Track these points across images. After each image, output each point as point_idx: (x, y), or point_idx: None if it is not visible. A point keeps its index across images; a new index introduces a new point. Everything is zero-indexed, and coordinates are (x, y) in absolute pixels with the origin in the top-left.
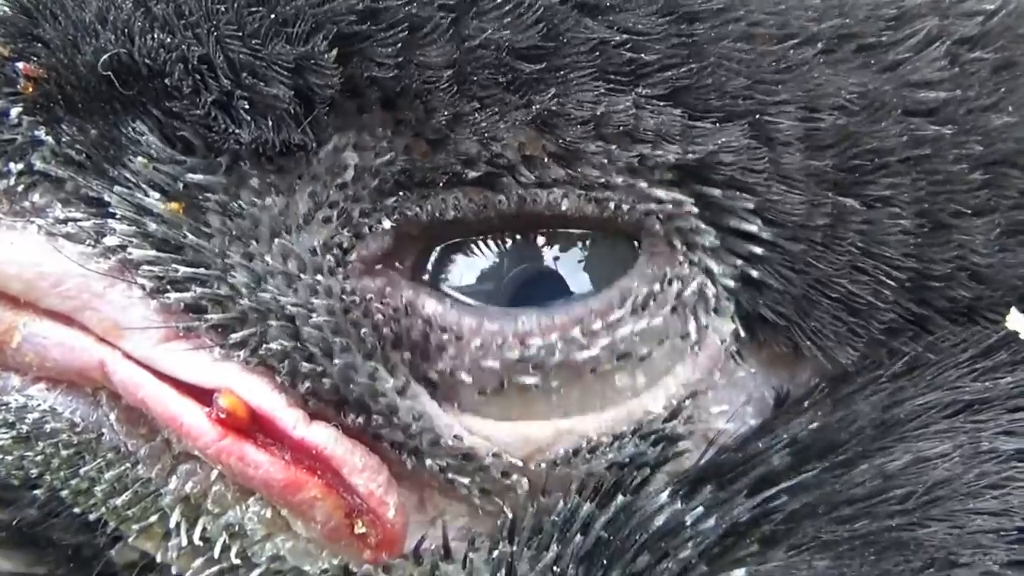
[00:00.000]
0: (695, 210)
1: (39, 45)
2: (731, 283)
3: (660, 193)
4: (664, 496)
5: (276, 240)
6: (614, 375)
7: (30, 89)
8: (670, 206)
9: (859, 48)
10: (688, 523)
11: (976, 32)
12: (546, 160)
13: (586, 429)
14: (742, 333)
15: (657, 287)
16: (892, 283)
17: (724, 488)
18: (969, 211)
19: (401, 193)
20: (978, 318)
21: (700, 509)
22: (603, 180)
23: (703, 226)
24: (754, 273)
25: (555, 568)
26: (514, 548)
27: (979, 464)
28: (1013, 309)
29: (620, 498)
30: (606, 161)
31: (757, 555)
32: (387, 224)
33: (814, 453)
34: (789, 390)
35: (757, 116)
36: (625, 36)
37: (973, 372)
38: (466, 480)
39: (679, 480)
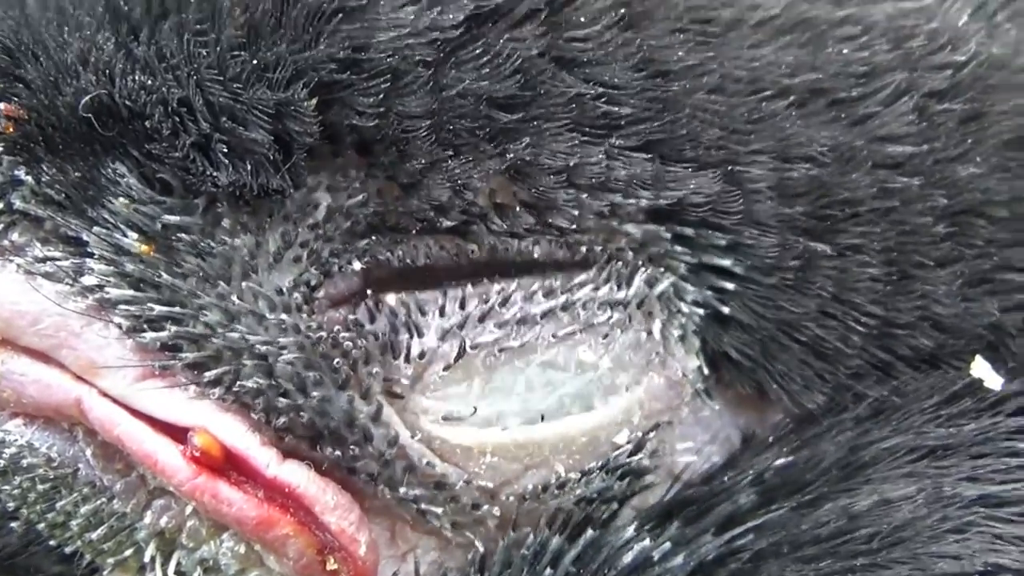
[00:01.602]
0: (668, 236)
1: (20, 85)
2: (699, 315)
3: (631, 228)
4: (631, 530)
5: (245, 281)
6: (578, 349)
7: (11, 129)
8: (640, 236)
9: (830, 103)
10: (656, 559)
11: (945, 85)
12: (518, 209)
13: (555, 465)
14: (706, 371)
15: (626, 271)
16: (861, 329)
17: (691, 524)
18: (932, 262)
19: (373, 237)
20: (942, 365)
21: (668, 545)
22: (575, 227)
23: (677, 251)
24: (724, 309)
25: None
26: None
27: (942, 508)
28: (978, 357)
29: (589, 532)
30: (578, 211)
31: None
32: (357, 266)
33: (780, 492)
34: (755, 432)
35: (730, 166)
36: (600, 90)
37: (938, 418)
38: (439, 510)
39: (646, 515)
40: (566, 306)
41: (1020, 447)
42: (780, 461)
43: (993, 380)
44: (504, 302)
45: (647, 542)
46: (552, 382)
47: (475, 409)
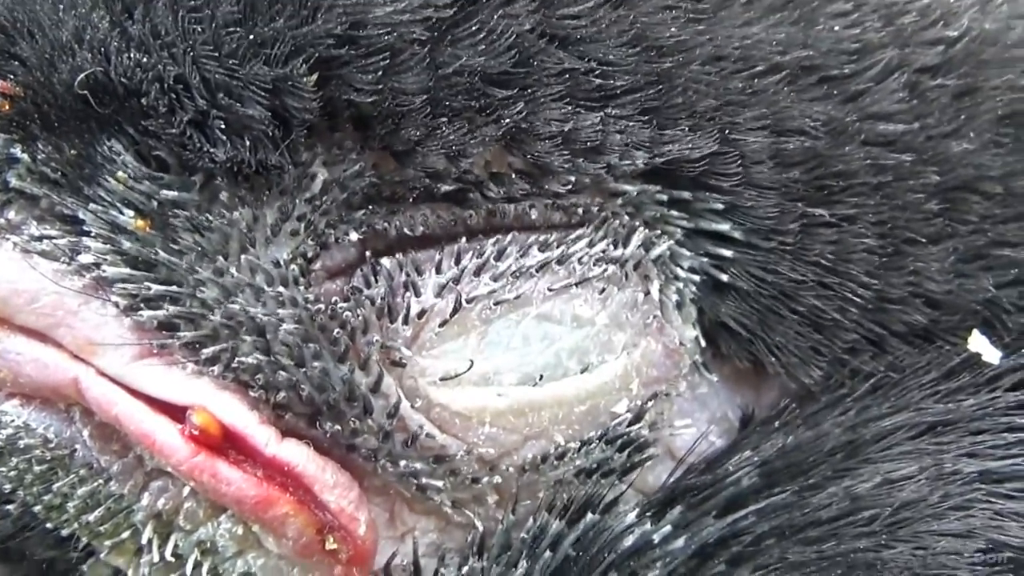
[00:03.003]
0: (664, 198)
1: (16, 63)
2: (696, 282)
3: (627, 187)
4: (632, 516)
5: (243, 255)
6: (574, 302)
7: (6, 107)
8: (636, 194)
9: (822, 79)
10: (656, 543)
11: (938, 60)
12: (513, 176)
13: (553, 434)
14: (703, 343)
15: (623, 231)
16: (858, 300)
17: (693, 509)
18: (925, 238)
19: (370, 207)
20: (937, 340)
21: (668, 528)
22: (570, 189)
23: (673, 215)
24: (722, 277)
25: None
26: (483, 564)
27: (943, 486)
28: (975, 331)
29: (589, 516)
30: (573, 175)
31: (725, 575)
32: (354, 236)
33: (783, 475)
34: (754, 410)
35: (727, 131)
36: (594, 65)
37: (936, 394)
38: (439, 484)
39: (648, 500)
40: (562, 259)
41: (1018, 422)
42: (782, 443)
43: (991, 354)
44: (499, 255)
45: (648, 526)
46: (548, 336)
47: (471, 363)
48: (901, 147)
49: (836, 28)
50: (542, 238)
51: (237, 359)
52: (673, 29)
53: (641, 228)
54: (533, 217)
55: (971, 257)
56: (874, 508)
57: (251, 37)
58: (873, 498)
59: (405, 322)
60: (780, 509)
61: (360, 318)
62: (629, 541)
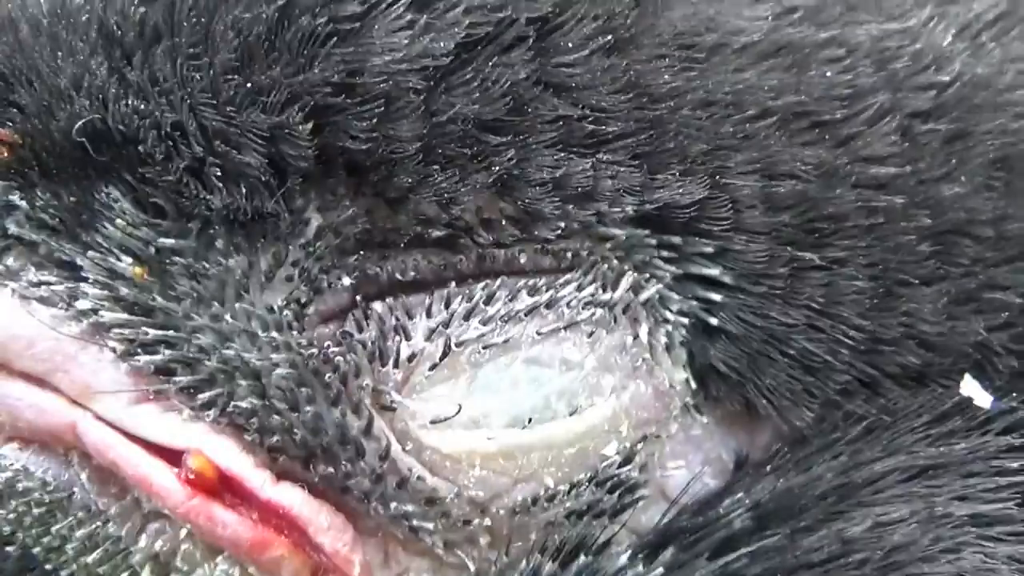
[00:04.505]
0: (653, 242)
1: (14, 111)
2: (685, 325)
3: (617, 231)
4: (625, 558)
5: (239, 302)
6: (562, 346)
7: (5, 154)
8: (625, 238)
9: (813, 124)
10: None
11: (930, 105)
12: (504, 223)
13: (543, 477)
14: (694, 385)
15: (612, 275)
16: (849, 343)
17: (686, 550)
18: (917, 280)
19: (362, 252)
20: (929, 383)
21: (661, 571)
22: (560, 234)
23: (663, 258)
24: (712, 320)
25: None
26: None
27: (934, 529)
28: (967, 375)
29: (582, 558)
30: (563, 221)
31: None
32: (346, 281)
33: (775, 517)
34: (748, 454)
35: (717, 176)
36: (587, 112)
37: (928, 437)
38: (430, 526)
39: (640, 543)
40: (550, 303)
41: (1008, 466)
42: (774, 486)
43: (983, 399)
44: (489, 299)
45: (640, 568)
46: (537, 379)
47: (460, 407)
48: (893, 190)
49: (828, 74)
50: (531, 282)
51: (233, 403)
52: (666, 76)
53: (630, 272)
54: (522, 262)
55: (963, 299)
56: (865, 551)
57: (248, 85)
58: (864, 541)
59: (396, 366)
60: (772, 551)
61: (352, 362)
62: None
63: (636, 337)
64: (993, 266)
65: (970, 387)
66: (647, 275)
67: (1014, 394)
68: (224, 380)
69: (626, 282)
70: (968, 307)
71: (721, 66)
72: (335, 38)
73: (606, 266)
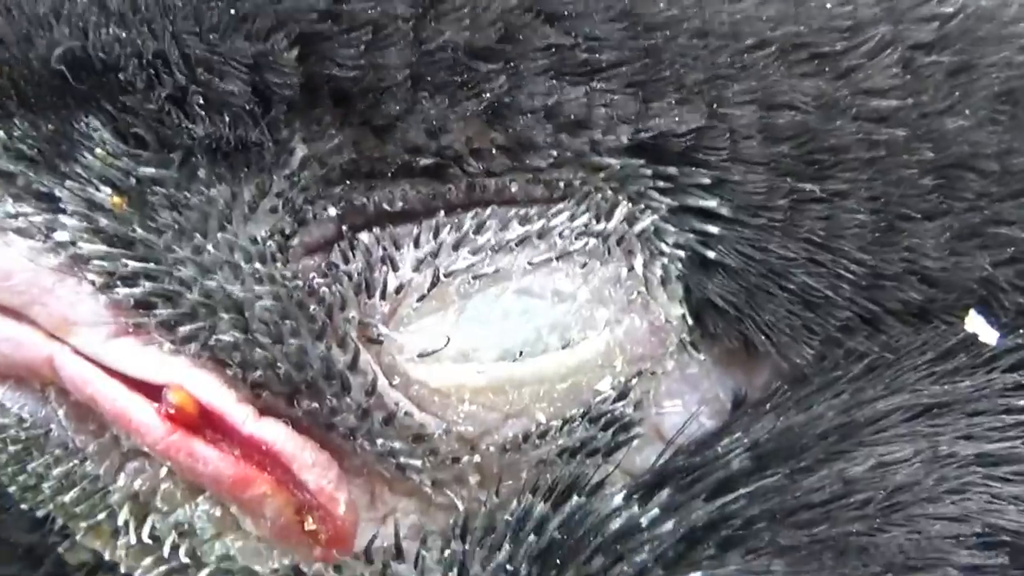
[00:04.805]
0: (648, 172)
1: None
2: (681, 258)
3: (611, 160)
4: (619, 498)
5: (221, 232)
6: (554, 277)
7: None
8: (619, 168)
9: (812, 56)
10: (644, 526)
11: (932, 37)
12: (494, 152)
13: (535, 412)
14: (691, 321)
15: (605, 205)
16: (850, 277)
17: (682, 491)
18: (919, 215)
19: (348, 182)
20: (932, 319)
21: (656, 512)
22: (552, 163)
23: (659, 188)
24: (709, 254)
25: (508, 567)
26: (466, 547)
27: (939, 469)
28: (972, 311)
29: (575, 498)
30: (556, 150)
31: (714, 559)
32: (332, 212)
33: (774, 457)
34: (746, 393)
35: (714, 105)
36: (581, 40)
37: (932, 375)
38: (418, 463)
39: (635, 483)
40: (542, 233)
41: (1015, 404)
42: (773, 425)
43: (988, 335)
44: (478, 228)
45: (635, 509)
46: (528, 311)
47: (448, 339)
48: (894, 123)
49: (828, 5)
50: (522, 212)
51: (214, 337)
52: (661, 4)
53: (624, 202)
54: (513, 191)
55: (967, 235)
56: (868, 491)
57: (232, 11)
58: (867, 481)
59: (383, 297)
60: (771, 492)
61: (337, 294)
62: (616, 524)
63: (631, 269)
64: (998, 201)
65: (975, 323)
66: (642, 206)
67: (1021, 331)
68: (206, 313)
69: (620, 213)
70: (972, 242)
71: None
72: None
73: (600, 196)
